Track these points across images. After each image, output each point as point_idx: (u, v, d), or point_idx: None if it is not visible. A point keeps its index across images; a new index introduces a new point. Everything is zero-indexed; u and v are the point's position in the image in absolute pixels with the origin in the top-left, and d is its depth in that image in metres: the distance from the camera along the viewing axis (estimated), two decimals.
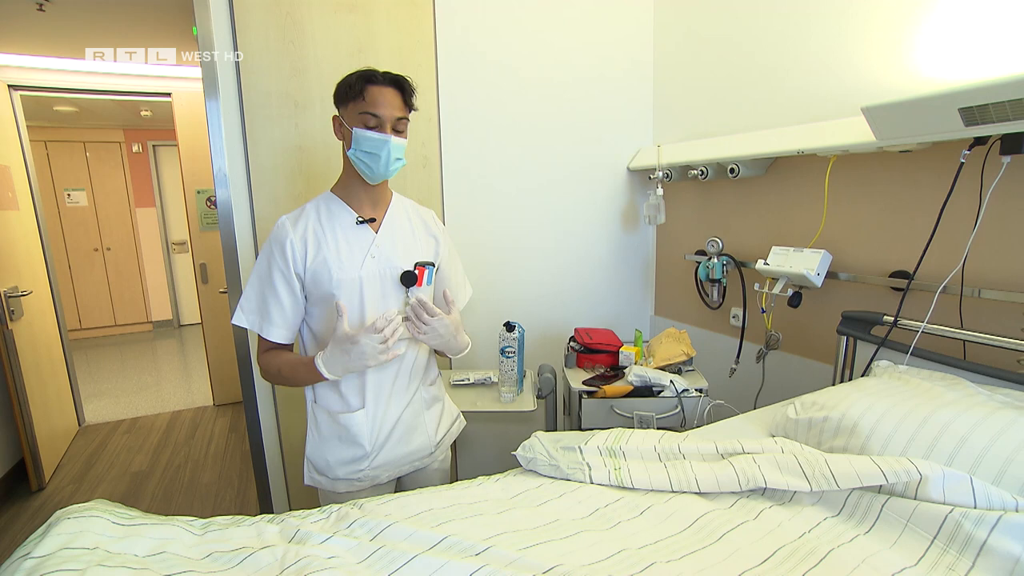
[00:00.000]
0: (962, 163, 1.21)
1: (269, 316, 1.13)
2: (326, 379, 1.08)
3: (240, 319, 1.15)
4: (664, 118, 2.23)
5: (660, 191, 2.07)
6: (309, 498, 1.89)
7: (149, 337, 5.61)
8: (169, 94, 3.37)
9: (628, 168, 2.28)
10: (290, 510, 1.83)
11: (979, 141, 1.18)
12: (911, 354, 1.30)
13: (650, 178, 2.13)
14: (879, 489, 0.91)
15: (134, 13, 2.39)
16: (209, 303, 3.53)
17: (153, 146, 5.52)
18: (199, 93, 1.67)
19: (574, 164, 2.19)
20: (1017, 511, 0.80)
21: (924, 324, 1.28)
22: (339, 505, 1.01)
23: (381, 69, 1.11)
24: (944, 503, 0.84)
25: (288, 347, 1.19)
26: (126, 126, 5.33)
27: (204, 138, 1.70)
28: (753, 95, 1.82)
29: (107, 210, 5.44)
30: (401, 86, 1.11)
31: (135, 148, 5.44)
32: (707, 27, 1.97)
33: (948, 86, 1.09)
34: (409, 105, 1.13)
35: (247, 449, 2.93)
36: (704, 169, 1.92)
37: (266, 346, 1.17)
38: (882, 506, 0.89)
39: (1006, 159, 1.14)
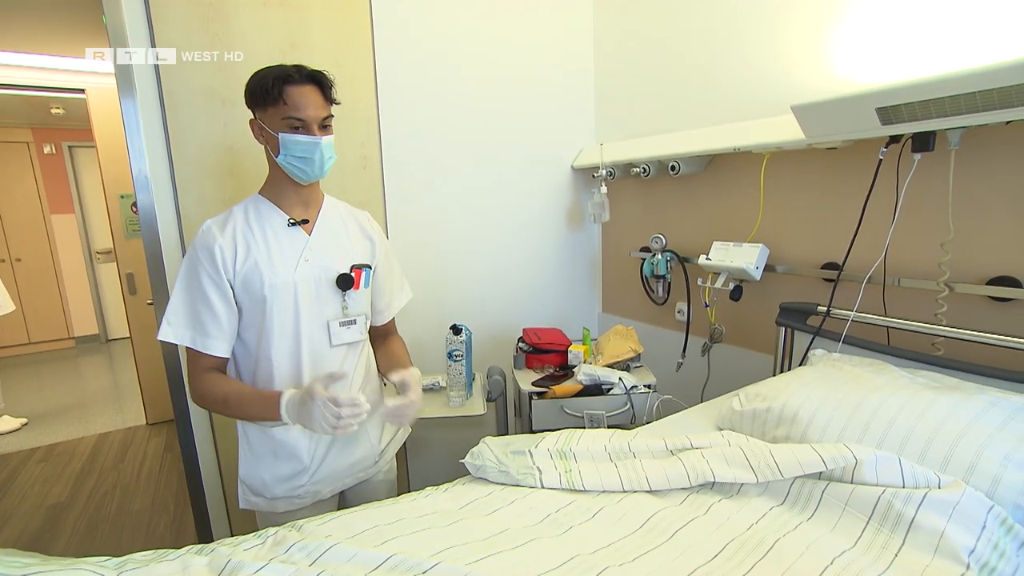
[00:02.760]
0: (880, 160, 1.28)
1: (204, 328, 1.05)
2: (280, 419, 1.02)
3: (167, 334, 1.05)
4: (606, 117, 2.26)
5: (604, 189, 2.09)
6: (251, 521, 1.76)
7: (72, 354, 5.17)
8: (83, 90, 3.10)
9: (572, 167, 2.29)
10: (231, 534, 1.71)
11: (894, 139, 1.25)
12: (843, 342, 1.36)
13: (594, 176, 2.15)
14: (819, 476, 0.94)
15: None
16: (138, 315, 3.29)
17: (68, 147, 5.08)
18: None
19: (519, 163, 2.18)
20: (940, 487, 0.84)
21: (853, 313, 1.34)
22: (276, 528, 0.94)
23: (290, 62, 1.05)
24: (877, 484, 0.88)
25: (224, 365, 1.11)
26: (35, 124, 4.88)
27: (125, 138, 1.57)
28: (691, 94, 1.86)
29: (15, 217, 4.96)
30: (320, 82, 1.05)
31: (47, 149, 4.99)
32: (645, 29, 2.00)
33: (866, 87, 1.15)
34: (330, 100, 1.08)
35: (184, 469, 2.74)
36: (646, 167, 1.95)
37: (205, 364, 1.08)
38: (822, 492, 0.92)
39: (917, 156, 1.21)
